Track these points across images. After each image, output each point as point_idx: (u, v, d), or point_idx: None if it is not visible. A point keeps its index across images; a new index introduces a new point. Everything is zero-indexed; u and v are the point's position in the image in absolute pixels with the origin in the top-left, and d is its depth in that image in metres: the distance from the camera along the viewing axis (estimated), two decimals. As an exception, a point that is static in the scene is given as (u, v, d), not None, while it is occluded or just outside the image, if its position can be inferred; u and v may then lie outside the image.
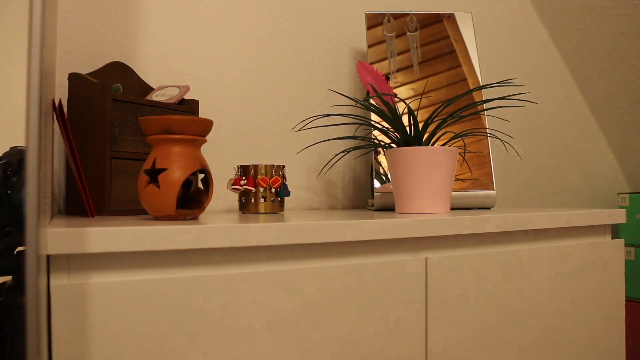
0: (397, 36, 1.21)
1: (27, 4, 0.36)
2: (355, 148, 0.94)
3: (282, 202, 0.89)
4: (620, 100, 1.76)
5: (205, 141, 0.68)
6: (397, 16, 1.22)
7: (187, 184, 0.73)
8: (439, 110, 0.90)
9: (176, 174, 0.64)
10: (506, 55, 1.51)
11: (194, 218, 0.68)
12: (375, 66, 1.19)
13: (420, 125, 0.89)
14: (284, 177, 0.88)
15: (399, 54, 1.20)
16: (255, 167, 0.87)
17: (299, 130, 1.03)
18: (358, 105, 0.91)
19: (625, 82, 1.75)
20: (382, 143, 0.94)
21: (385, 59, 1.20)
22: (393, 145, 0.93)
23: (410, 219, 0.72)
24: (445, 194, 0.86)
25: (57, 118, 0.73)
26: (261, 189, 0.85)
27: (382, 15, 1.21)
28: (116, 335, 0.53)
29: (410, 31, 1.21)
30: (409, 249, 0.74)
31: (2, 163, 0.69)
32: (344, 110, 1.26)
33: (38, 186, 0.36)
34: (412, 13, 1.22)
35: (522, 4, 1.56)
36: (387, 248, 0.72)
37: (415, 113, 1.01)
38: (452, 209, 1.08)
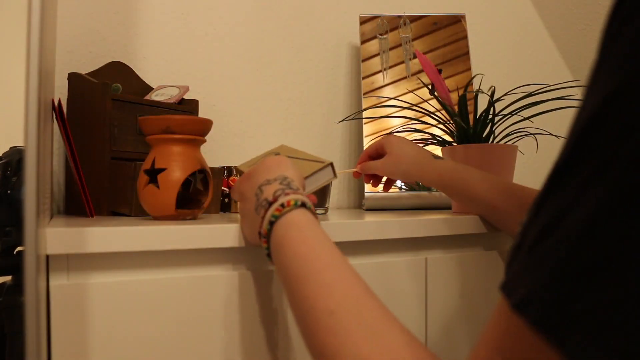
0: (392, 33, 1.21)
1: (27, 4, 0.36)
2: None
3: None
4: (620, 100, 1.76)
5: (205, 141, 0.68)
6: (390, 18, 1.22)
7: (187, 183, 0.73)
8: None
9: (176, 174, 0.64)
10: (506, 55, 1.51)
11: (194, 218, 0.68)
12: (369, 62, 1.19)
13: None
14: None
15: (391, 48, 1.20)
16: (229, 168, 0.92)
17: (340, 122, 1.00)
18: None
19: (625, 82, 1.75)
20: (438, 139, 0.93)
21: (378, 54, 1.20)
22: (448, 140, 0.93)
23: (411, 219, 0.72)
24: None
25: (56, 118, 0.73)
26: None
27: (377, 16, 1.21)
28: (115, 335, 0.53)
29: (403, 34, 1.21)
30: (409, 249, 0.74)
31: (2, 163, 0.69)
32: (341, 109, 1.26)
33: (37, 186, 0.36)
34: (406, 15, 1.22)
35: (522, 4, 1.56)
36: (387, 248, 0.72)
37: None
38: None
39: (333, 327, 0.37)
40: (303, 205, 0.48)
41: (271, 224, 0.48)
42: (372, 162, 0.81)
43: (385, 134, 0.84)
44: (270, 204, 0.49)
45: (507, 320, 0.26)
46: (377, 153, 0.82)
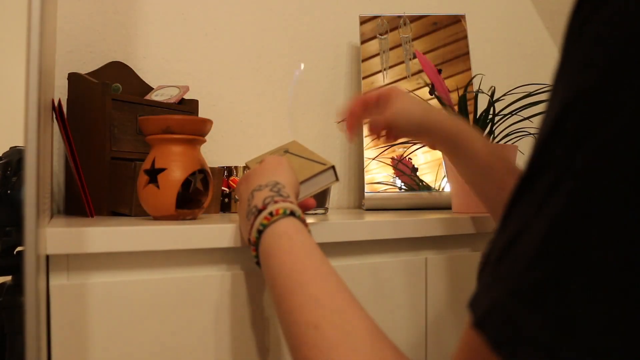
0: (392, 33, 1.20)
1: (27, 4, 0.36)
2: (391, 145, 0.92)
3: None
4: (621, 100, 1.76)
5: (205, 141, 0.68)
6: (390, 18, 1.22)
7: (187, 183, 0.73)
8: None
9: (176, 174, 0.64)
10: (506, 55, 1.51)
11: (194, 218, 0.68)
12: (369, 62, 1.19)
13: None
14: None
15: (391, 48, 1.20)
16: (229, 168, 0.92)
17: (340, 122, 0.99)
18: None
19: (625, 82, 1.75)
20: None
21: (378, 54, 1.20)
22: None
23: (409, 219, 0.72)
24: None
25: (56, 118, 0.73)
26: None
27: (377, 16, 1.21)
28: (115, 335, 0.53)
29: (403, 34, 1.21)
30: (409, 249, 0.74)
31: (2, 163, 0.69)
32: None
33: (37, 186, 0.36)
34: (405, 15, 1.22)
35: (522, 4, 1.56)
36: (387, 248, 0.72)
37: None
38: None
39: (317, 341, 0.37)
40: (292, 214, 0.48)
41: (259, 232, 0.47)
42: (381, 117, 0.68)
43: (389, 86, 0.70)
44: (260, 211, 0.48)
45: (472, 339, 0.26)
46: (379, 102, 0.69)
